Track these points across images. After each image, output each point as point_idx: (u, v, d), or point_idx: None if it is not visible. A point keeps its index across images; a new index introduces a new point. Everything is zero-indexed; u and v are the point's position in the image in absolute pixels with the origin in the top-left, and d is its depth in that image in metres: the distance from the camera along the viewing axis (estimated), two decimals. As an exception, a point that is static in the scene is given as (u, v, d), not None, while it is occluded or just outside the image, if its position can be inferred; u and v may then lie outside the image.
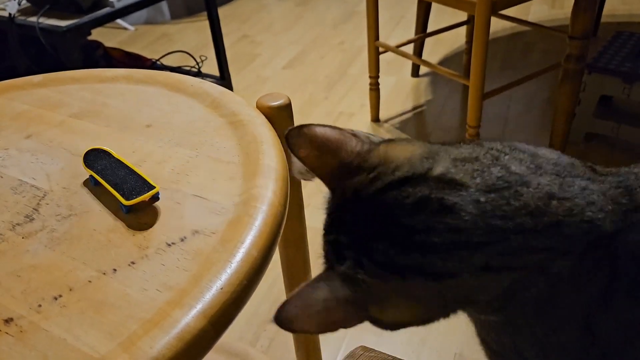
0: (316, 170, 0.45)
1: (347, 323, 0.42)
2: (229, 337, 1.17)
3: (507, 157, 0.41)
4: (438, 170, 0.40)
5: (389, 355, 0.61)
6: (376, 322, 0.42)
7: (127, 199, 0.50)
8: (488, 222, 0.37)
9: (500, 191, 0.38)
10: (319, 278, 0.43)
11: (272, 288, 1.32)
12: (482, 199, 0.38)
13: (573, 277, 0.39)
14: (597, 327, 0.41)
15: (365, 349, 0.62)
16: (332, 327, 0.42)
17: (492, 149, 0.42)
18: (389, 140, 0.45)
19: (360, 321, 0.42)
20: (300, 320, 0.41)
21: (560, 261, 0.39)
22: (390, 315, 0.42)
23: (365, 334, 1.19)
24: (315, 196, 1.55)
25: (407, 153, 0.42)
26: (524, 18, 1.86)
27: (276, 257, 0.48)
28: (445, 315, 0.44)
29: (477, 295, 0.41)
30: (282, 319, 0.40)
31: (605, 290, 0.40)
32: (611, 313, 0.40)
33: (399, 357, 0.63)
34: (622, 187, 0.41)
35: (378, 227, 0.40)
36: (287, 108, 0.64)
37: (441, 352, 1.13)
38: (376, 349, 0.66)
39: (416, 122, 1.92)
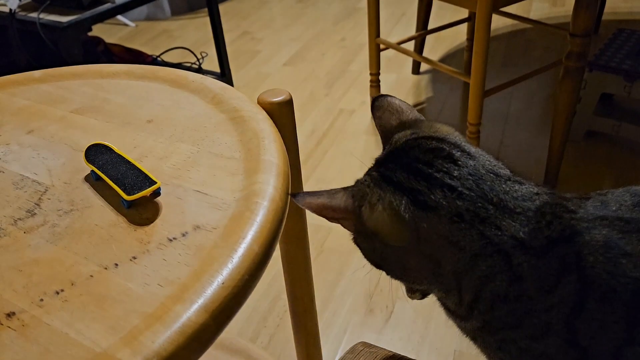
0: (381, 127, 0.57)
1: (346, 212, 0.51)
2: (229, 333, 1.17)
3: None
4: (468, 148, 0.50)
5: (390, 351, 0.61)
6: (365, 234, 0.50)
7: (129, 194, 0.50)
8: (476, 183, 0.46)
9: (509, 180, 0.47)
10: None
11: (272, 285, 1.32)
12: (482, 170, 0.47)
13: (536, 276, 0.41)
14: (582, 336, 0.41)
15: (365, 344, 0.62)
16: (331, 212, 0.51)
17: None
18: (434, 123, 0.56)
19: (354, 218, 0.50)
20: (308, 198, 0.51)
21: (521, 255, 0.42)
22: (374, 222, 0.48)
23: (366, 331, 1.19)
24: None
25: (448, 129, 0.53)
26: (525, 15, 1.86)
27: (276, 253, 0.48)
28: (413, 262, 0.49)
29: (445, 251, 0.45)
30: (297, 198, 0.51)
31: (577, 294, 0.40)
32: (590, 318, 0.40)
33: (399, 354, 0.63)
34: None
35: (401, 157, 0.49)
36: (288, 104, 0.64)
37: (441, 349, 1.13)
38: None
39: (417, 120, 1.91)
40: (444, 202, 0.45)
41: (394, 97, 0.59)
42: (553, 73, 1.99)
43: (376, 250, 0.50)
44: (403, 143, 0.51)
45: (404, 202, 0.46)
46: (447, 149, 0.48)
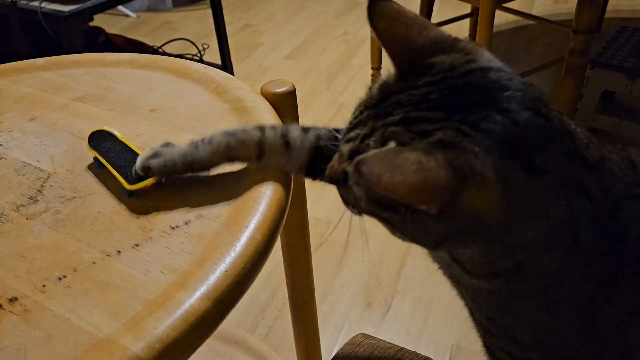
0: (392, 44, 0.44)
1: (443, 193, 0.37)
2: (227, 324, 1.18)
3: None
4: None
5: (389, 343, 0.61)
6: (450, 213, 0.38)
7: (130, 183, 0.50)
8: (569, 133, 0.41)
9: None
10: (393, 148, 0.39)
11: (271, 277, 1.32)
12: (560, 114, 0.41)
13: (592, 248, 0.40)
14: (595, 309, 0.41)
15: (365, 336, 0.62)
16: (426, 194, 0.37)
17: None
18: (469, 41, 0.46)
19: (449, 199, 0.37)
20: (390, 178, 0.36)
21: (589, 224, 0.40)
22: (480, 202, 0.38)
23: (364, 324, 1.19)
24: (316, 187, 1.56)
25: (491, 55, 0.43)
26: (527, 11, 1.86)
27: (275, 246, 0.48)
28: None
29: (526, 221, 0.40)
30: (365, 173, 0.36)
31: (612, 273, 0.40)
32: (616, 302, 0.40)
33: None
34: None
35: (483, 100, 0.39)
36: (291, 95, 0.64)
37: (438, 343, 1.14)
38: (376, 336, 0.66)
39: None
40: (559, 167, 0.39)
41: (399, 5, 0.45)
42: (555, 70, 1.99)
43: (451, 230, 0.40)
44: (467, 79, 0.40)
45: (517, 170, 0.37)
46: (537, 92, 0.40)
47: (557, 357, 0.45)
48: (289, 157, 0.52)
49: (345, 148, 0.44)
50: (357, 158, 0.36)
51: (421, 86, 0.41)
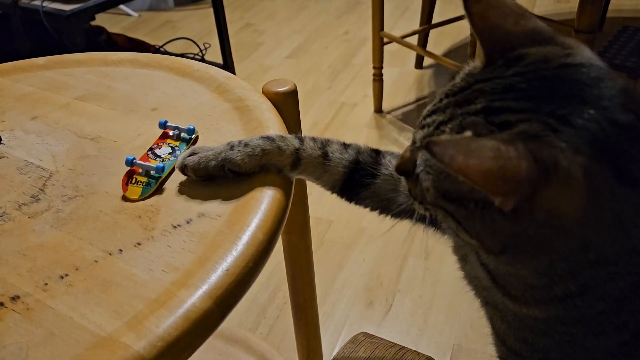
0: (484, 30, 0.41)
1: (520, 187, 0.33)
2: (229, 323, 1.18)
3: None
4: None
5: (390, 342, 0.61)
6: (525, 212, 0.35)
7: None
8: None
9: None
10: (471, 136, 0.36)
11: (272, 277, 1.32)
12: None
13: None
14: None
15: (366, 335, 0.62)
16: (501, 183, 0.33)
17: None
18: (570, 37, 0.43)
19: (527, 194, 0.33)
20: (464, 161, 0.32)
21: None
22: (561, 204, 0.34)
23: (365, 324, 1.19)
24: (317, 187, 1.56)
25: (591, 53, 0.40)
26: (529, 11, 1.86)
27: (276, 246, 0.48)
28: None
29: (605, 235, 0.36)
30: (437, 153, 0.33)
31: None
32: None
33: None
34: None
35: (578, 95, 0.35)
36: (292, 94, 0.64)
37: (439, 343, 1.14)
38: (377, 336, 0.66)
39: (419, 114, 1.91)
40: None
41: None
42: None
43: (522, 233, 0.36)
44: (561, 73, 0.37)
45: (609, 175, 0.34)
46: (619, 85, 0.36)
47: None
48: (325, 169, 0.51)
49: (419, 134, 0.41)
50: (430, 138, 0.34)
51: (509, 76, 0.38)
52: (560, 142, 0.33)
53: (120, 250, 0.45)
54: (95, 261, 0.44)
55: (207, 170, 0.50)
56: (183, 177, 0.53)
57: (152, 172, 0.52)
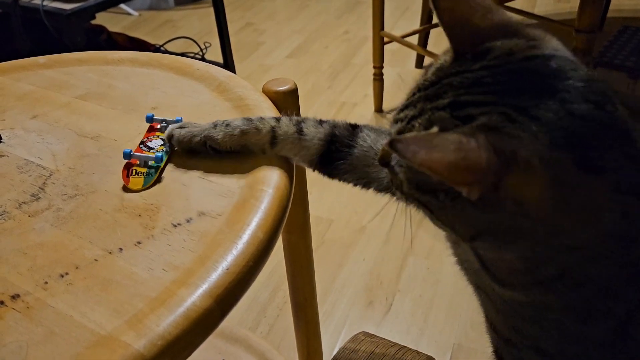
0: (452, 25, 0.41)
1: (484, 176, 0.34)
2: (229, 322, 1.18)
3: None
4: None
5: (391, 341, 0.61)
6: (491, 201, 0.36)
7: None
8: (629, 133, 0.38)
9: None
10: (435, 132, 0.37)
11: (272, 276, 1.32)
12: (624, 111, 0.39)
13: (637, 266, 0.38)
14: (632, 325, 0.40)
15: (367, 334, 0.62)
16: (465, 174, 0.34)
17: None
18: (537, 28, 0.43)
19: (491, 183, 0.35)
20: (426, 154, 0.34)
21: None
22: (523, 192, 0.35)
23: (365, 323, 1.19)
24: (317, 185, 1.56)
25: (560, 44, 0.41)
26: (529, 11, 1.86)
27: (277, 244, 0.48)
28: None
29: (577, 225, 0.37)
30: (400, 149, 0.34)
31: None
32: None
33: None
34: None
35: (539, 87, 0.37)
36: (293, 93, 0.64)
37: (439, 342, 1.14)
38: (377, 335, 0.66)
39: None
40: (618, 169, 0.36)
41: None
42: (557, 69, 1.99)
43: (493, 221, 0.38)
44: (527, 65, 0.38)
45: (569, 163, 0.35)
46: (608, 89, 0.37)
47: None
48: (302, 144, 0.53)
49: (394, 129, 0.43)
50: (393, 137, 0.35)
51: (476, 70, 0.39)
52: (519, 132, 0.35)
53: (121, 249, 0.45)
54: (96, 260, 0.44)
55: (191, 144, 0.54)
56: (185, 177, 0.53)
57: (150, 162, 0.54)
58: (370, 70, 1.85)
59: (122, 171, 0.53)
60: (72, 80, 0.72)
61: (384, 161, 0.46)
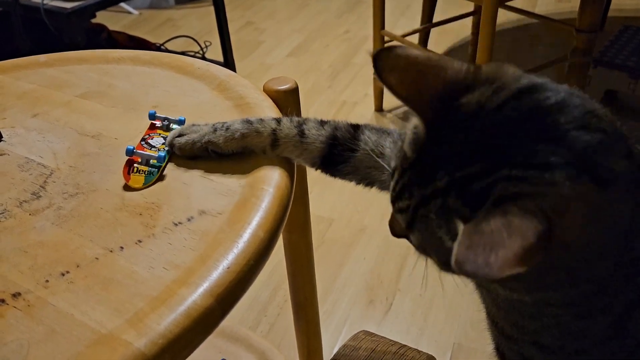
0: (409, 97, 0.39)
1: (547, 242, 0.33)
2: (229, 321, 1.18)
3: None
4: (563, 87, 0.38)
5: (391, 340, 0.61)
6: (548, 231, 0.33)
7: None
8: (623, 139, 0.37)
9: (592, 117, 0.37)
10: (475, 225, 0.34)
11: (273, 275, 1.32)
12: (609, 118, 0.37)
13: (636, 264, 0.39)
14: (631, 321, 0.40)
15: (367, 333, 0.62)
16: (537, 256, 0.32)
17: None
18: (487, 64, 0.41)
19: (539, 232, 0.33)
20: (495, 261, 0.32)
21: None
22: (569, 234, 0.34)
23: (365, 322, 1.19)
24: (318, 184, 1.56)
25: (516, 69, 0.40)
26: (530, 10, 1.86)
27: (277, 243, 0.48)
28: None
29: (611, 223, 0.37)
30: (470, 270, 0.32)
31: None
32: None
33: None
34: None
35: (520, 135, 0.35)
36: (294, 92, 0.64)
37: (439, 342, 1.14)
38: (377, 334, 0.66)
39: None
40: (624, 175, 0.36)
41: (407, 47, 0.40)
42: (558, 69, 1.99)
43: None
44: (518, 109, 0.36)
45: (589, 186, 0.34)
46: (566, 97, 0.36)
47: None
48: (303, 147, 0.53)
49: (401, 218, 0.42)
50: (452, 261, 0.32)
51: (454, 136, 0.37)
52: (539, 188, 0.33)
53: (121, 247, 0.45)
54: (96, 258, 0.44)
55: (193, 150, 0.54)
56: (186, 175, 0.53)
57: (152, 161, 0.54)
58: (371, 70, 1.84)
59: (124, 168, 0.53)
60: (72, 79, 0.71)
61: (395, 232, 0.45)
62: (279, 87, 0.63)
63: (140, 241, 0.46)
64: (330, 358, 0.60)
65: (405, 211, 0.40)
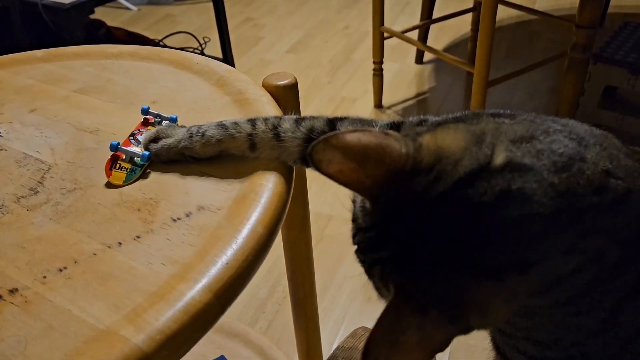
0: (353, 185, 0.41)
1: (445, 344, 0.38)
2: (228, 317, 1.17)
3: (556, 131, 0.39)
4: (501, 157, 0.37)
5: (390, 337, 0.61)
6: (466, 330, 0.38)
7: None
8: (566, 204, 0.36)
9: (568, 169, 0.36)
10: (395, 308, 0.40)
11: (271, 271, 1.32)
12: (556, 181, 0.36)
13: (620, 265, 0.39)
14: (622, 314, 0.41)
15: (366, 329, 0.62)
16: (435, 353, 0.38)
17: (539, 122, 0.40)
18: (428, 130, 0.41)
19: (454, 336, 0.38)
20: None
21: (615, 249, 0.38)
22: (491, 319, 0.39)
23: (364, 318, 1.19)
24: (317, 181, 1.55)
25: (459, 142, 0.38)
26: (530, 6, 1.85)
27: (276, 240, 0.48)
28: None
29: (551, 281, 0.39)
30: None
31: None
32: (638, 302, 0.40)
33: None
34: None
35: (461, 231, 0.36)
36: (293, 88, 0.64)
37: (439, 337, 1.13)
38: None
39: (419, 109, 1.91)
40: (549, 252, 0.37)
41: (346, 133, 0.39)
42: (557, 65, 1.98)
43: None
44: (441, 205, 0.37)
45: (515, 281, 0.37)
46: (507, 185, 0.36)
47: (574, 353, 0.44)
48: (281, 149, 0.52)
49: (360, 264, 0.46)
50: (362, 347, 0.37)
51: (399, 217, 0.39)
52: (457, 290, 0.37)
53: (120, 243, 0.45)
54: (94, 254, 0.44)
55: (169, 156, 0.54)
56: (184, 171, 0.53)
57: (136, 159, 0.53)
58: (370, 66, 1.84)
59: (107, 162, 0.53)
60: (70, 74, 0.71)
61: None
62: (278, 83, 0.63)
63: (138, 237, 0.46)
64: (330, 354, 0.60)
65: (362, 262, 0.45)
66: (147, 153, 0.53)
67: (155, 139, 0.54)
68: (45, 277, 0.42)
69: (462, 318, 0.36)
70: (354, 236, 0.45)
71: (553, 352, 0.45)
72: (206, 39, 2.33)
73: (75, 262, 0.44)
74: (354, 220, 0.45)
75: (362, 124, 0.54)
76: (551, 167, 0.36)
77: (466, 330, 0.37)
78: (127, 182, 0.52)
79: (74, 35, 1.56)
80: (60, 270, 0.43)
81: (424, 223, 0.37)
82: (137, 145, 0.55)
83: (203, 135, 0.53)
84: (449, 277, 0.37)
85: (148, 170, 0.53)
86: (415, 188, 0.38)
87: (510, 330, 0.47)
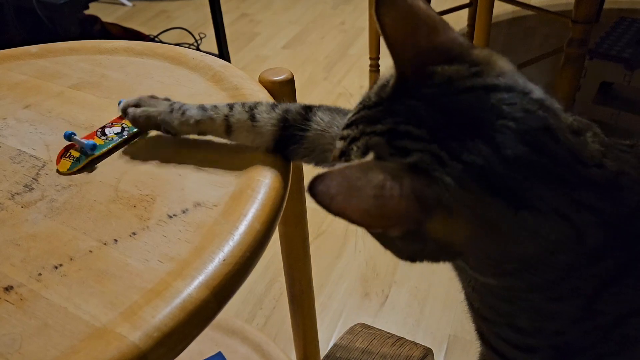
0: (395, 44, 0.39)
1: (401, 222, 0.36)
2: (225, 314, 1.17)
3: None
4: (537, 94, 0.37)
5: (388, 332, 0.61)
6: (417, 236, 0.37)
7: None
8: (575, 159, 0.36)
9: (579, 135, 0.38)
10: (367, 163, 0.37)
11: (268, 268, 1.32)
12: (570, 137, 0.37)
13: (601, 250, 0.39)
14: (600, 302, 0.41)
15: (364, 325, 0.62)
16: (380, 221, 0.36)
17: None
18: (484, 49, 0.41)
19: (411, 226, 0.36)
20: (343, 201, 0.35)
21: (599, 232, 0.38)
22: (448, 232, 0.37)
23: (361, 314, 1.19)
24: (313, 176, 1.55)
25: (509, 66, 0.39)
26: (526, 2, 1.85)
27: (273, 236, 0.48)
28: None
29: (525, 244, 0.38)
30: (319, 192, 0.35)
31: (623, 267, 0.39)
32: (617, 290, 0.40)
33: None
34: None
35: (473, 126, 0.35)
36: (289, 83, 0.63)
37: (435, 333, 1.14)
38: (374, 326, 0.66)
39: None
40: (544, 200, 0.36)
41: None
42: (553, 61, 1.98)
43: (422, 249, 0.39)
44: (466, 98, 0.36)
45: (501, 207, 0.35)
46: (536, 110, 0.36)
47: (556, 342, 0.44)
48: (255, 131, 0.52)
49: (338, 145, 0.43)
50: (318, 175, 0.34)
51: (415, 97, 0.38)
52: (446, 177, 0.34)
53: (115, 240, 0.45)
54: (90, 251, 0.44)
55: (148, 124, 0.55)
56: (180, 167, 0.52)
57: (84, 149, 0.54)
58: (367, 62, 1.84)
59: (60, 150, 0.54)
60: (64, 69, 0.70)
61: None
62: (275, 78, 0.63)
63: (134, 233, 0.45)
64: (327, 351, 0.60)
65: (344, 139, 0.42)
66: (91, 143, 0.53)
67: (136, 105, 0.55)
68: (40, 274, 0.42)
69: (427, 206, 0.35)
70: (351, 116, 0.42)
71: (535, 340, 0.45)
72: (202, 35, 2.32)
73: (71, 259, 0.43)
74: (362, 102, 0.43)
75: (337, 112, 0.54)
76: (569, 126, 0.38)
77: (418, 226, 0.36)
78: (70, 170, 0.52)
79: (68, 31, 1.55)
80: (56, 268, 0.42)
81: (437, 105, 0.37)
82: (100, 138, 0.56)
83: (183, 113, 0.53)
84: (445, 162, 0.35)
85: (96, 166, 0.53)
86: (453, 72, 0.37)
87: (492, 316, 0.47)
